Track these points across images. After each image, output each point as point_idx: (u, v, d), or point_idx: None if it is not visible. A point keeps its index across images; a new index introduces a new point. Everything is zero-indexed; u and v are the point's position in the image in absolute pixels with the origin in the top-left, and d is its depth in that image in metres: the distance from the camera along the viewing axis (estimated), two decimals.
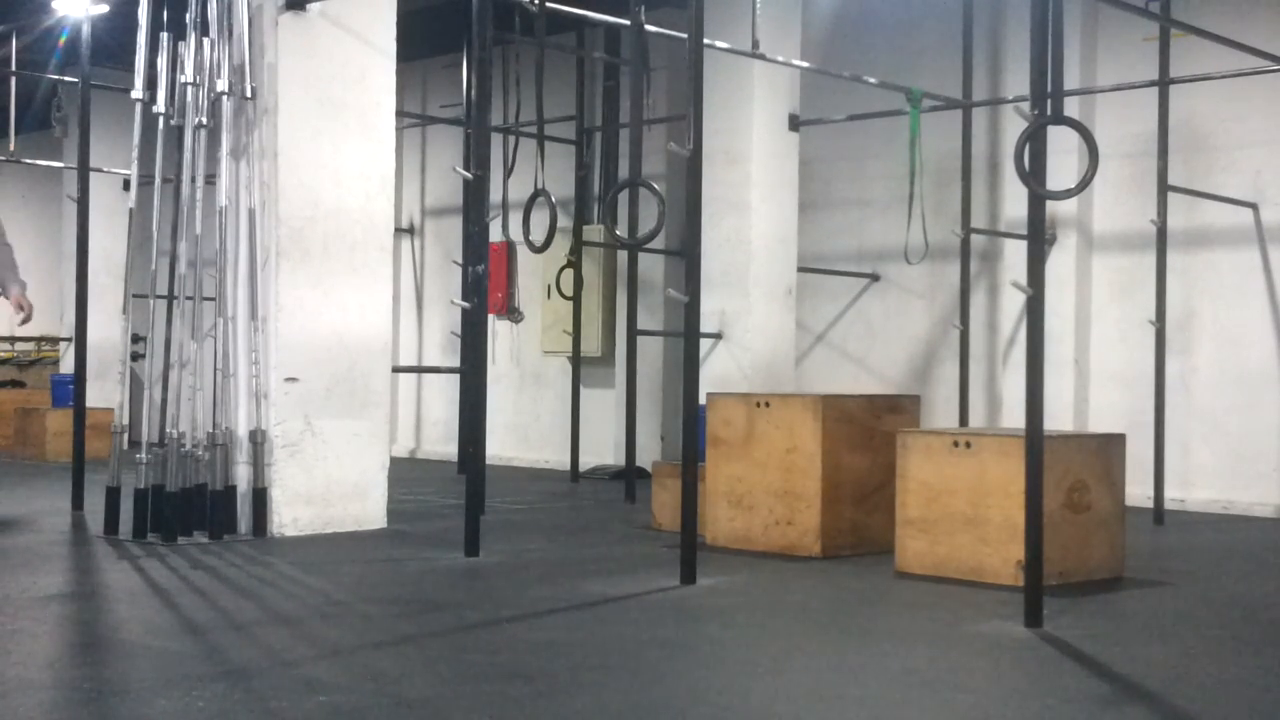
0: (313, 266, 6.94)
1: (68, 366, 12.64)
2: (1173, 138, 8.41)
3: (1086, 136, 4.98)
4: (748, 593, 5.56)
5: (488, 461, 7.98)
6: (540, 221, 7.80)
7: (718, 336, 9.37)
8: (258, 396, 6.75)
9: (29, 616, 4.75)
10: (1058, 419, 8.67)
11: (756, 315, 9.37)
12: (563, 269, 10.59)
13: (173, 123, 7.03)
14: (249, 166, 6.88)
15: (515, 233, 10.20)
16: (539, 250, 7.91)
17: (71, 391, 8.81)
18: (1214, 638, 4.82)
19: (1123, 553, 6.03)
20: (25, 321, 7.49)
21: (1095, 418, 9.24)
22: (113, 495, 6.82)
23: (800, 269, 9.80)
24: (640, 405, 9.64)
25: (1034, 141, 4.80)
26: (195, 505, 6.59)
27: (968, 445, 5.85)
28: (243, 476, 6.73)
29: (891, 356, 10.45)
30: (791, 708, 3.68)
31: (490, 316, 7.36)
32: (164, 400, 6.97)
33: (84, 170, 7.99)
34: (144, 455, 6.69)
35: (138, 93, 7.13)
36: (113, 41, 9.91)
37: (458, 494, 7.76)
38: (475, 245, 6.42)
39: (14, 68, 10.85)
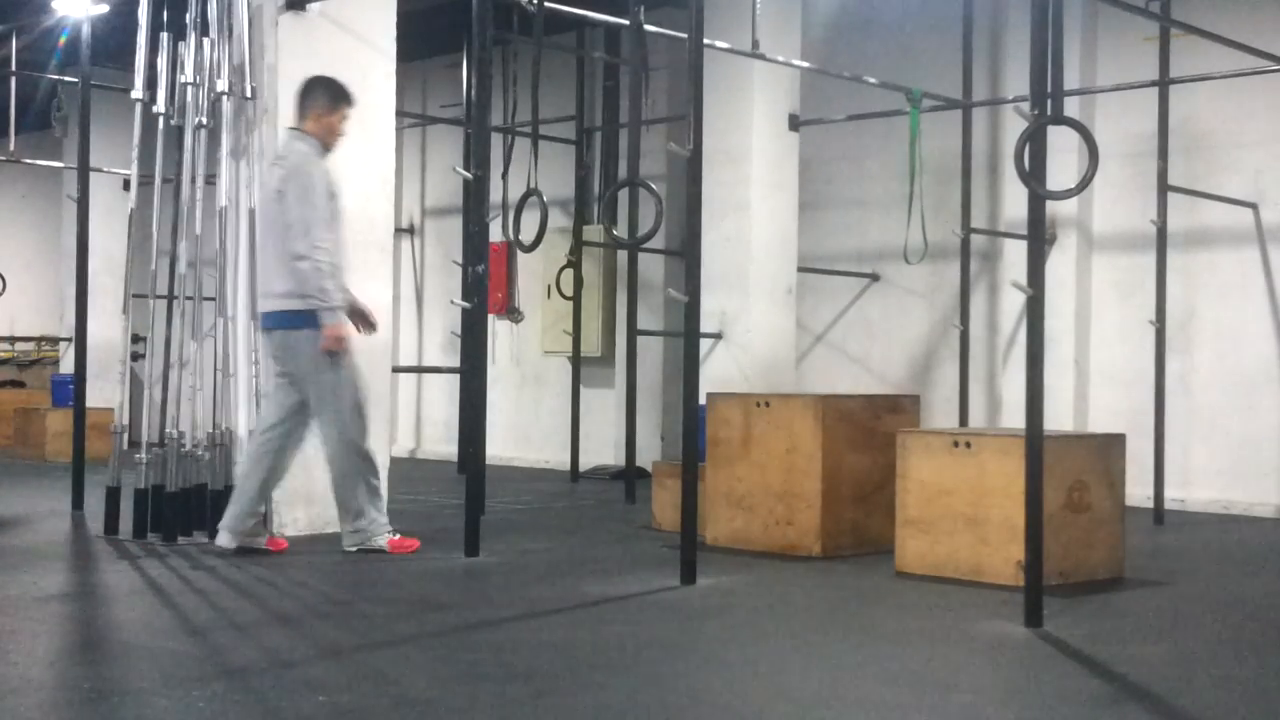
0: None
1: (68, 366, 12.63)
2: (1173, 138, 8.41)
3: (1086, 136, 4.98)
4: (748, 593, 5.56)
5: (488, 461, 7.98)
6: (532, 221, 7.78)
7: (718, 336, 9.36)
8: (258, 396, 6.75)
9: (29, 616, 4.75)
10: (1058, 419, 8.66)
11: (756, 315, 9.36)
12: (563, 269, 10.59)
13: (173, 123, 7.03)
14: (249, 166, 6.88)
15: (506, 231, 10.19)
16: (528, 250, 7.91)
17: (71, 391, 8.81)
18: (1214, 638, 4.82)
19: (1123, 553, 6.03)
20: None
21: (1095, 418, 9.24)
22: (113, 495, 6.82)
23: (800, 269, 9.79)
24: (640, 405, 9.64)
25: (1034, 141, 4.80)
26: (195, 505, 6.59)
27: (968, 445, 5.85)
28: None
29: (891, 356, 10.45)
30: (791, 708, 3.68)
31: (490, 316, 7.36)
32: (164, 400, 6.97)
33: (84, 170, 7.98)
34: (144, 455, 6.69)
35: (138, 93, 7.13)
36: (113, 41, 9.90)
37: (458, 494, 7.76)
38: (475, 245, 6.41)
39: (14, 68, 10.85)
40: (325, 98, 6.38)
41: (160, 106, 7.03)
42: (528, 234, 7.85)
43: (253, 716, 3.45)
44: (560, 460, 11.12)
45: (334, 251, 6.18)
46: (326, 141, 6.37)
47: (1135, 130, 9.00)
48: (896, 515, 6.04)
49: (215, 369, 6.76)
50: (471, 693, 3.77)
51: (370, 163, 7.17)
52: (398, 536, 6.35)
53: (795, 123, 9.58)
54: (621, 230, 10.03)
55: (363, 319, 6.45)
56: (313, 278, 6.09)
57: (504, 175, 9.20)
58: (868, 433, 6.62)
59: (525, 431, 12.01)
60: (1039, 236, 4.91)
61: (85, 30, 8.15)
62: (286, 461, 6.35)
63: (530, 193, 7.56)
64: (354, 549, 6.28)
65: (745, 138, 9.39)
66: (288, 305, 6.16)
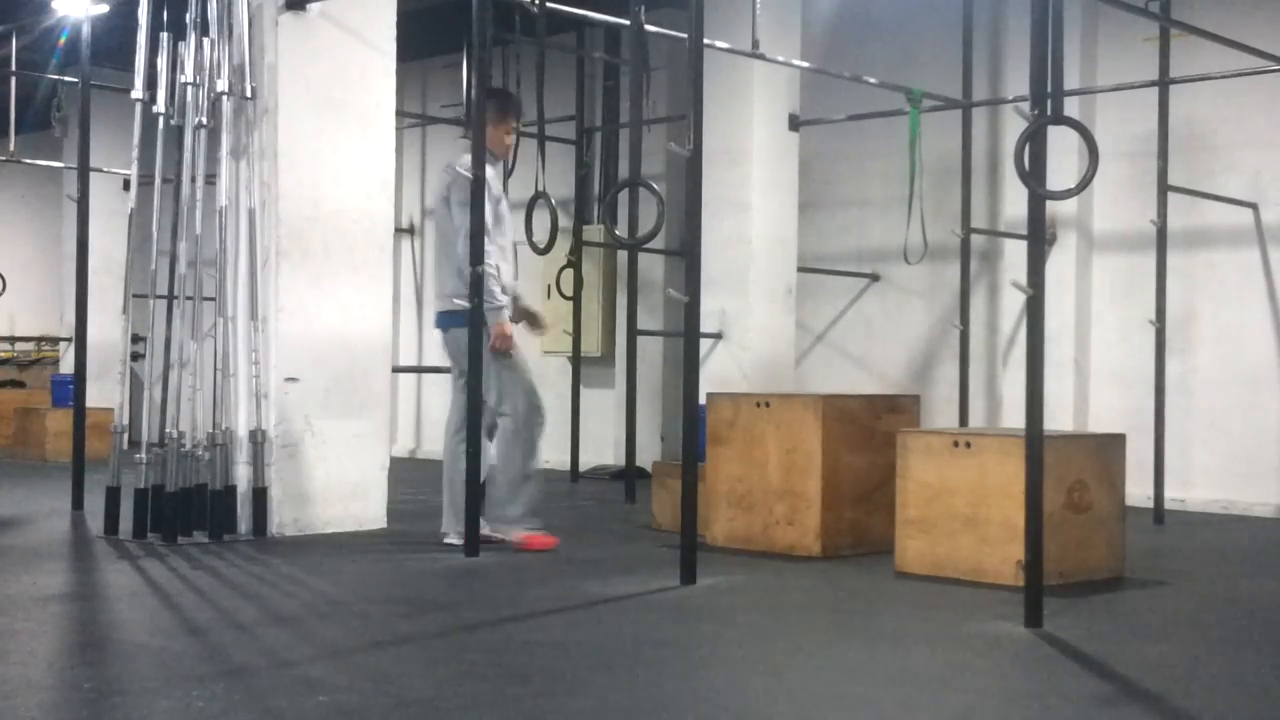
0: (313, 266, 6.94)
1: (68, 366, 12.64)
2: (1173, 138, 8.41)
3: (1086, 136, 4.98)
4: (748, 593, 5.56)
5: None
6: (542, 223, 7.79)
7: (718, 336, 9.36)
8: (258, 396, 6.75)
9: (29, 616, 4.75)
10: (1058, 419, 8.67)
11: (756, 315, 9.36)
12: (563, 269, 10.58)
13: (173, 123, 7.03)
14: (249, 166, 6.88)
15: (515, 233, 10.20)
16: (542, 252, 7.91)
17: (71, 391, 8.81)
18: (1214, 638, 4.82)
19: (1123, 553, 6.03)
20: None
21: (1095, 418, 9.24)
22: (113, 495, 6.82)
23: (800, 269, 9.80)
24: (640, 405, 9.64)
25: (1034, 141, 4.80)
26: (195, 505, 6.59)
27: (968, 445, 5.85)
28: (243, 476, 6.73)
29: (891, 356, 10.45)
30: (791, 708, 3.68)
31: None
32: (164, 400, 6.97)
33: (84, 170, 7.99)
34: (144, 455, 6.69)
35: (138, 93, 7.13)
36: (113, 41, 9.90)
37: None
38: (475, 245, 6.41)
39: (14, 68, 10.85)
40: (493, 109, 6.60)
41: (160, 106, 7.03)
42: (535, 236, 7.84)
43: (253, 716, 3.45)
44: (560, 460, 11.11)
45: (496, 254, 6.43)
46: (494, 151, 6.59)
47: (1135, 130, 9.00)
48: (896, 515, 6.04)
49: (215, 369, 6.76)
50: (471, 693, 3.77)
51: (370, 163, 7.17)
52: (535, 534, 6.52)
53: (795, 123, 9.58)
54: (622, 230, 10.03)
55: (531, 319, 6.81)
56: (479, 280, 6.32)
57: (506, 176, 9.19)
58: (868, 433, 6.62)
59: None
60: (1039, 236, 4.91)
61: (85, 30, 8.15)
62: (489, 456, 6.59)
63: (538, 195, 7.57)
64: (492, 532, 6.50)
65: (745, 138, 9.39)
66: (455, 305, 6.42)
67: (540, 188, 7.60)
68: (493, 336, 6.42)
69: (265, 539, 6.65)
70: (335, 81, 7.05)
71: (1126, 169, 9.11)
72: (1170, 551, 7.06)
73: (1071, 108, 8.46)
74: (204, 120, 6.86)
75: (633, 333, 9.52)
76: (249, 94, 6.87)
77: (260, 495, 6.71)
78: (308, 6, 6.92)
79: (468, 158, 6.44)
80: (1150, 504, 8.26)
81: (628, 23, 6.45)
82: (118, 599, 5.17)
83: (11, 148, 11.48)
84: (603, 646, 4.44)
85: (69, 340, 12.51)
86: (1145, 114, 8.61)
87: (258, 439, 6.71)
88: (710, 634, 4.72)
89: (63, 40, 10.76)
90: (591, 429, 10.87)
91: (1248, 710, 3.79)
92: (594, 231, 10.85)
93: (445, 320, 6.60)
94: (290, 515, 6.80)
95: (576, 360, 10.74)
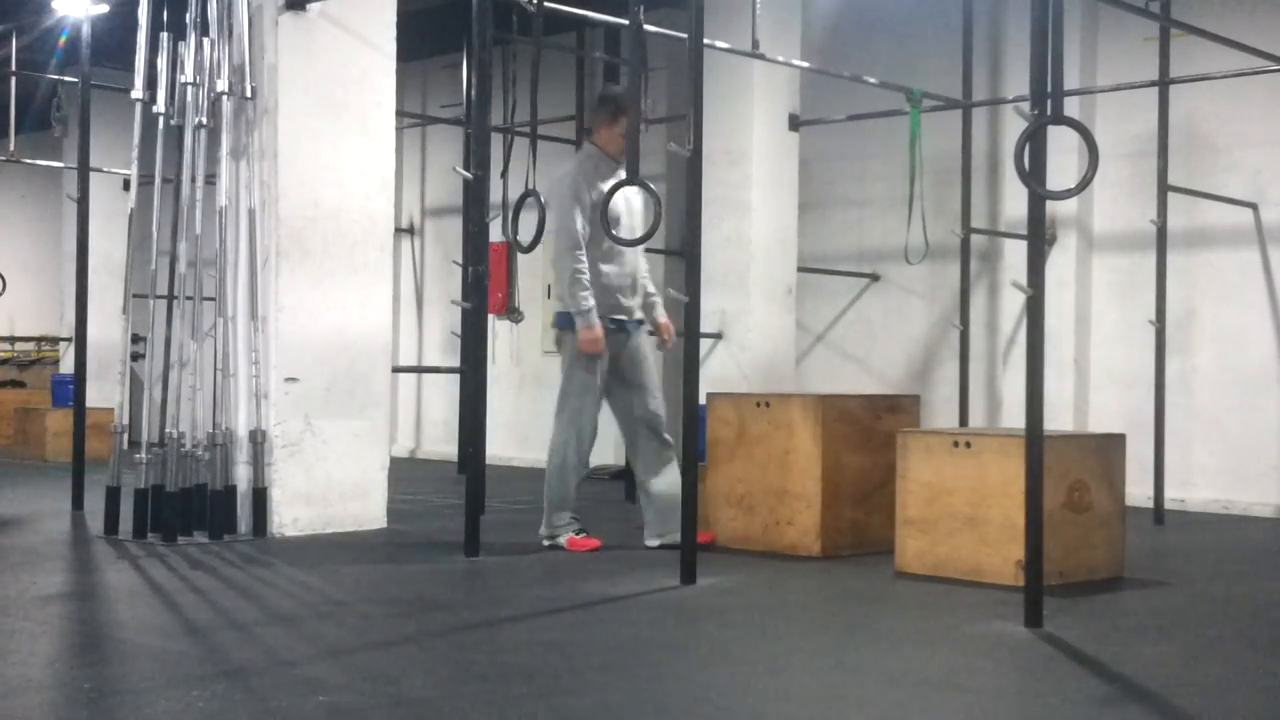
0: (313, 266, 6.94)
1: (68, 366, 12.64)
2: (1173, 138, 8.41)
3: (1086, 136, 4.97)
4: (748, 593, 5.56)
5: (488, 461, 7.97)
6: (530, 221, 7.79)
7: (718, 336, 9.36)
8: (258, 396, 6.75)
9: (29, 616, 4.75)
10: (1058, 419, 8.66)
11: (756, 315, 9.36)
12: None
13: (173, 123, 7.03)
14: (249, 166, 6.88)
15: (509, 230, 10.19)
16: (527, 250, 7.92)
17: (71, 391, 8.81)
18: (1214, 638, 4.82)
19: (1123, 553, 6.03)
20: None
21: (1095, 418, 9.23)
22: (113, 495, 6.82)
23: (800, 269, 9.79)
24: None
25: (1034, 141, 4.80)
26: (195, 505, 6.59)
27: (968, 445, 5.85)
28: (243, 476, 6.74)
29: (891, 356, 10.45)
30: (791, 708, 3.68)
31: (490, 316, 7.36)
32: (164, 400, 6.97)
33: (84, 170, 7.99)
34: (144, 455, 6.69)
35: (138, 93, 7.13)
36: (113, 41, 9.90)
37: (458, 494, 7.76)
38: (475, 245, 6.42)
39: (14, 68, 10.85)
40: (608, 110, 6.66)
41: (160, 106, 7.03)
42: (526, 234, 7.83)
43: (253, 716, 3.45)
44: None
45: (593, 258, 6.44)
46: (610, 152, 6.61)
47: (1135, 130, 8.99)
48: (896, 515, 6.04)
49: (215, 369, 6.77)
50: (471, 693, 3.77)
51: (370, 163, 7.17)
52: (580, 536, 6.56)
53: (795, 123, 9.58)
54: None
55: (657, 329, 6.80)
56: (566, 284, 6.40)
57: (503, 175, 9.20)
58: (868, 433, 6.62)
59: (525, 431, 12.00)
60: (1039, 236, 4.91)
61: (85, 30, 8.15)
62: (645, 459, 6.80)
63: (528, 193, 7.57)
64: (547, 543, 6.55)
65: (745, 138, 9.38)
66: (558, 306, 6.56)
67: (530, 185, 7.60)
68: (580, 341, 6.42)
69: (265, 539, 6.65)
70: (335, 81, 7.05)
71: (1126, 169, 9.10)
72: (1170, 551, 7.06)
73: (1071, 108, 8.47)
74: (204, 120, 6.86)
75: None
76: (249, 94, 6.87)
77: (260, 495, 6.71)
78: (308, 6, 6.92)
79: (576, 159, 6.54)
80: (1150, 504, 8.25)
81: (627, 23, 6.45)
82: (118, 599, 5.17)
83: (11, 148, 11.47)
84: (603, 646, 4.44)
85: (69, 340, 12.51)
86: (1145, 114, 8.61)
87: (258, 439, 6.71)
88: (710, 634, 4.72)
89: (63, 40, 10.76)
90: None
91: (1248, 710, 3.79)
92: None
93: (554, 319, 6.65)
94: (290, 515, 6.80)
95: None
